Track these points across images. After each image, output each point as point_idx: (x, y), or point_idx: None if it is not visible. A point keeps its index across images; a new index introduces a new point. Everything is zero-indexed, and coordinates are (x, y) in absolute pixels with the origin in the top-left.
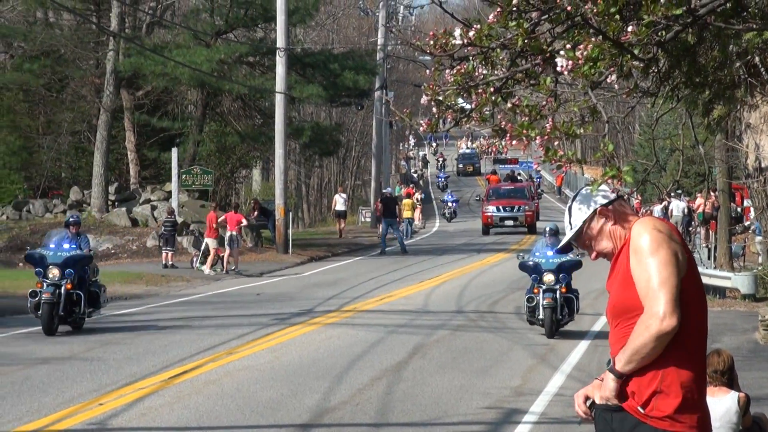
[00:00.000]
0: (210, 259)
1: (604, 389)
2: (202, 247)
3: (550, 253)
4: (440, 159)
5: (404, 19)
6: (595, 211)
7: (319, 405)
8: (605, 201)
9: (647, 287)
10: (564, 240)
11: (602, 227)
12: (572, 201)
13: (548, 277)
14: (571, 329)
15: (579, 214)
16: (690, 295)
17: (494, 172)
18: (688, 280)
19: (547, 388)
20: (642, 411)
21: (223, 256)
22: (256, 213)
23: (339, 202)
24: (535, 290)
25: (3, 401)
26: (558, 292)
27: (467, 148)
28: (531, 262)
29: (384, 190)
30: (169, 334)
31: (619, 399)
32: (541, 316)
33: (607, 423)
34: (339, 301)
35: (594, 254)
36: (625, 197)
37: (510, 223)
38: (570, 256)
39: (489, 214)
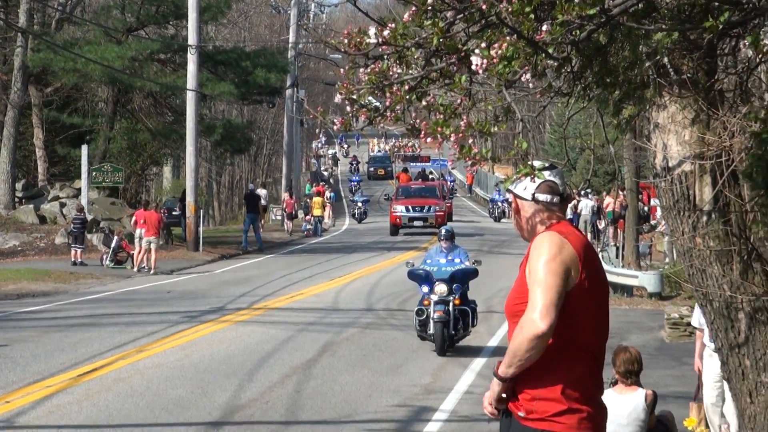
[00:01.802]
0: (154, 259)
1: (490, 394)
2: (143, 246)
3: (443, 260)
4: (353, 162)
5: (316, 17)
6: (531, 195)
7: (230, 403)
8: (543, 198)
9: (532, 292)
10: (510, 192)
11: (524, 208)
12: (534, 170)
13: (440, 288)
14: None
15: (523, 185)
16: (580, 304)
17: (405, 170)
18: (580, 291)
19: (457, 386)
20: (522, 416)
21: (132, 254)
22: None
23: (261, 197)
24: (426, 302)
25: None
26: (451, 304)
27: (379, 150)
28: (421, 271)
29: (250, 187)
30: (78, 331)
31: (508, 400)
32: (431, 331)
33: (504, 425)
34: (250, 298)
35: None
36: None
37: (419, 223)
38: (465, 264)
39: (398, 214)
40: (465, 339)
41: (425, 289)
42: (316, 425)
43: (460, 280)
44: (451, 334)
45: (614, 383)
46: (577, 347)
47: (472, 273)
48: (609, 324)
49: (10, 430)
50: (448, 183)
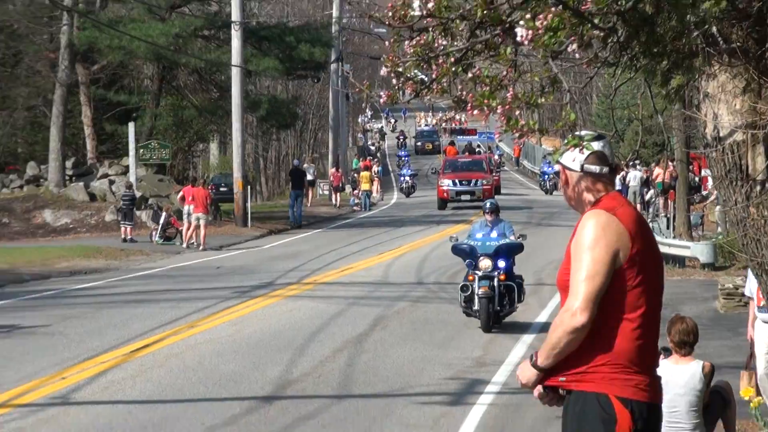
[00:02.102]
0: (203, 235)
1: (523, 374)
2: (193, 222)
3: (487, 234)
4: (400, 137)
5: None
6: (580, 166)
7: (281, 377)
8: (592, 169)
9: (574, 279)
10: (557, 164)
11: (573, 179)
12: (582, 141)
13: (484, 263)
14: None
15: (571, 156)
16: (631, 279)
17: (452, 144)
18: (631, 266)
19: (509, 358)
20: (563, 380)
21: (181, 230)
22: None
23: (308, 172)
24: (470, 277)
25: None
26: (496, 279)
27: (426, 124)
28: (465, 246)
29: (295, 162)
30: (130, 307)
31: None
32: (477, 308)
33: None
34: (299, 273)
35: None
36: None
37: (467, 197)
38: (510, 239)
39: (445, 188)
40: (514, 313)
41: (469, 264)
42: (369, 399)
43: (505, 254)
44: (497, 310)
45: (668, 354)
46: (626, 321)
47: (518, 247)
48: (662, 295)
49: (66, 406)
50: (496, 156)
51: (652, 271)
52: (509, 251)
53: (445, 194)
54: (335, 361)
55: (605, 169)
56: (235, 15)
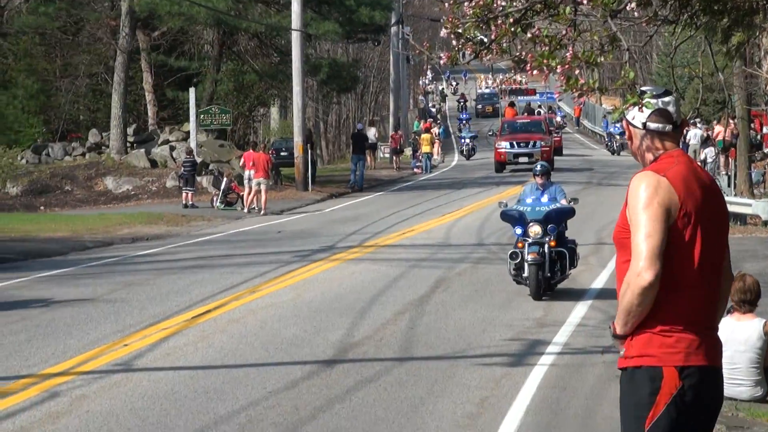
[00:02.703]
0: (264, 200)
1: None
2: (253, 187)
3: (544, 199)
4: (461, 100)
5: None
6: (642, 124)
7: (343, 341)
8: (655, 126)
9: (634, 242)
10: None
11: (636, 137)
12: (648, 99)
13: (534, 229)
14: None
15: (636, 114)
16: (684, 238)
17: (512, 105)
18: (683, 225)
19: (570, 318)
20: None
21: (242, 195)
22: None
23: (369, 135)
24: (520, 244)
25: (29, 344)
26: (546, 245)
27: (486, 87)
28: (514, 212)
29: (358, 126)
30: (191, 273)
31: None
32: (526, 275)
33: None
34: (360, 236)
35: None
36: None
37: (525, 159)
38: (562, 203)
39: (502, 150)
40: (575, 274)
41: (519, 230)
42: (431, 361)
43: (556, 220)
44: (547, 276)
45: (730, 311)
46: (680, 280)
47: (569, 212)
48: (724, 252)
49: (128, 372)
50: (558, 117)
51: (710, 230)
52: (560, 216)
53: (502, 156)
54: (396, 324)
55: (668, 127)
56: None
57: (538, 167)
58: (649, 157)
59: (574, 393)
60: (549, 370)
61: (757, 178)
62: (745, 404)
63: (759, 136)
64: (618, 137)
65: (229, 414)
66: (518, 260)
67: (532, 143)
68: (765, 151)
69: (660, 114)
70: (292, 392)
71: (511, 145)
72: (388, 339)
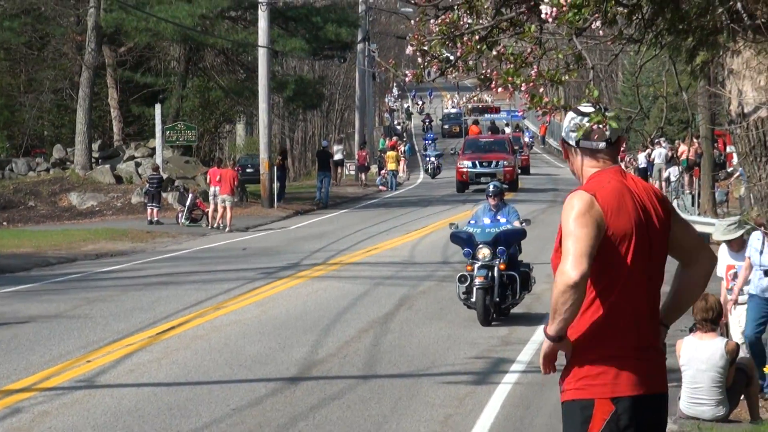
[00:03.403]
0: (229, 217)
1: (541, 352)
2: (219, 204)
3: (488, 220)
4: (426, 120)
5: None
6: (575, 142)
7: (307, 358)
8: (587, 144)
9: (563, 247)
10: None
11: (572, 155)
12: (579, 118)
13: (483, 251)
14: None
15: (568, 132)
16: (614, 256)
17: (476, 123)
18: (612, 243)
19: (534, 336)
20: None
21: (207, 212)
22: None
23: (337, 152)
24: (468, 267)
25: None
26: (496, 269)
27: (453, 105)
28: (463, 233)
29: (323, 143)
30: (156, 290)
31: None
32: (474, 299)
33: None
34: (325, 254)
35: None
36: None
37: (487, 179)
38: (513, 225)
39: (464, 169)
40: (541, 292)
41: (467, 252)
42: (394, 378)
43: (505, 242)
44: (496, 301)
45: (693, 330)
46: (610, 302)
47: (520, 234)
48: (662, 267)
49: (91, 389)
50: (527, 137)
51: (644, 247)
52: (510, 238)
53: (464, 176)
54: (361, 342)
55: (601, 144)
56: None
57: (491, 188)
58: (588, 172)
59: (538, 411)
60: (513, 388)
61: (720, 198)
62: (707, 424)
63: (722, 156)
64: None
65: (193, 431)
66: (467, 283)
67: (494, 163)
68: (728, 170)
69: (594, 131)
70: (256, 409)
71: (474, 165)
72: (352, 356)
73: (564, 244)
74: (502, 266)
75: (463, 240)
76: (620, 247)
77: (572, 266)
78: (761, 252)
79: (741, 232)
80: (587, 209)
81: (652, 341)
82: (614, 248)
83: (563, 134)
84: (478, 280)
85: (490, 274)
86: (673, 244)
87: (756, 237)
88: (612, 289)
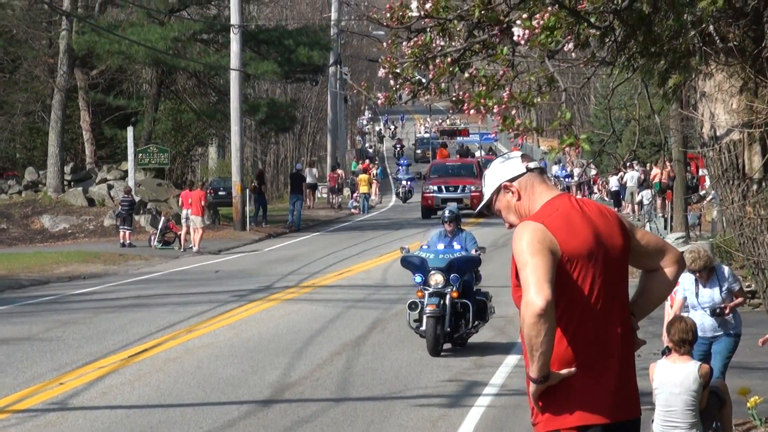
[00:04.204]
0: (198, 237)
1: (533, 396)
2: (191, 225)
3: (442, 246)
4: (398, 146)
5: None
6: (499, 186)
7: (280, 381)
8: (510, 176)
9: (522, 279)
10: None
11: (508, 202)
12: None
13: (435, 278)
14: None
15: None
16: (569, 281)
17: (444, 146)
18: (567, 268)
19: (507, 359)
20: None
21: (180, 234)
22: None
23: (309, 176)
24: (419, 293)
25: None
26: (448, 297)
27: (426, 130)
28: (415, 258)
29: (296, 166)
30: (128, 312)
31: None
32: (424, 328)
33: None
34: (298, 276)
35: (507, 225)
36: (537, 169)
37: (453, 205)
38: (466, 252)
39: (430, 194)
40: (509, 316)
41: (418, 278)
42: (367, 402)
43: (459, 269)
44: (446, 331)
45: (667, 353)
46: (571, 327)
47: (475, 261)
48: (623, 286)
49: (64, 411)
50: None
51: (601, 267)
52: (464, 265)
53: (429, 201)
54: (333, 364)
55: (533, 164)
56: (234, 18)
57: (447, 213)
58: (539, 202)
59: None
60: (486, 411)
61: (692, 221)
62: None
63: (695, 179)
64: (562, 179)
65: None
66: (418, 311)
67: (461, 188)
68: (701, 193)
69: (524, 156)
70: None
71: (440, 189)
72: (325, 379)
73: (522, 275)
74: (454, 294)
75: (415, 265)
76: (577, 270)
77: (535, 294)
78: (696, 294)
79: (686, 247)
80: (538, 237)
81: (625, 362)
82: (571, 272)
83: (504, 179)
84: (429, 308)
85: (441, 302)
86: (636, 256)
87: (688, 279)
88: (572, 314)
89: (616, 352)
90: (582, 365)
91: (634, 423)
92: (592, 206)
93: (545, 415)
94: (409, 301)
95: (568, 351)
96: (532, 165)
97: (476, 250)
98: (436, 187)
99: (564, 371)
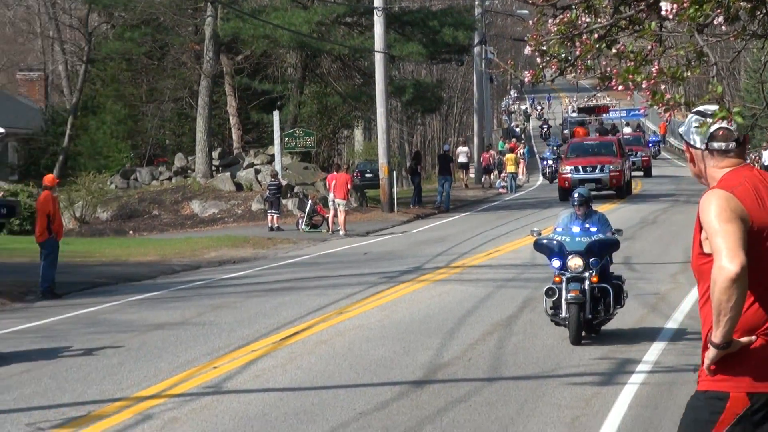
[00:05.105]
0: (342, 220)
1: (708, 360)
2: (335, 208)
3: (577, 229)
4: (544, 126)
5: None
6: (704, 144)
7: (432, 361)
8: (717, 146)
9: (713, 245)
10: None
11: (698, 159)
12: (701, 119)
13: (574, 262)
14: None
15: (696, 137)
16: (759, 249)
17: (582, 124)
18: (756, 238)
19: (660, 336)
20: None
21: (328, 218)
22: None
23: (461, 154)
24: (557, 279)
25: (121, 367)
26: (588, 281)
27: (573, 110)
28: (551, 242)
29: (444, 147)
30: (278, 296)
31: None
32: (564, 315)
33: None
34: (447, 257)
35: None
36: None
37: (591, 186)
38: (606, 235)
39: (566, 175)
40: (665, 291)
41: (556, 263)
42: (520, 381)
43: (598, 253)
44: (588, 318)
45: None
46: (758, 294)
47: (613, 244)
48: None
49: (218, 395)
50: (648, 145)
51: None
52: (603, 249)
53: (566, 183)
54: (485, 344)
55: (731, 145)
56: (378, 1)
57: (576, 196)
58: (716, 174)
59: (666, 412)
60: (640, 388)
61: None
62: None
63: None
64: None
65: None
66: (556, 297)
67: (599, 167)
68: None
69: (722, 132)
70: (382, 413)
71: (576, 170)
72: (477, 359)
73: (712, 243)
74: (594, 278)
75: (551, 249)
76: (765, 242)
77: (729, 260)
78: None
79: None
80: (728, 205)
81: None
82: (759, 243)
83: (686, 138)
84: (571, 294)
85: (582, 287)
86: None
87: None
88: (758, 284)
89: None
90: (762, 334)
91: None
92: None
93: (717, 375)
94: (546, 288)
95: (752, 319)
96: (717, 146)
97: (612, 233)
98: (573, 168)
99: (744, 339)
